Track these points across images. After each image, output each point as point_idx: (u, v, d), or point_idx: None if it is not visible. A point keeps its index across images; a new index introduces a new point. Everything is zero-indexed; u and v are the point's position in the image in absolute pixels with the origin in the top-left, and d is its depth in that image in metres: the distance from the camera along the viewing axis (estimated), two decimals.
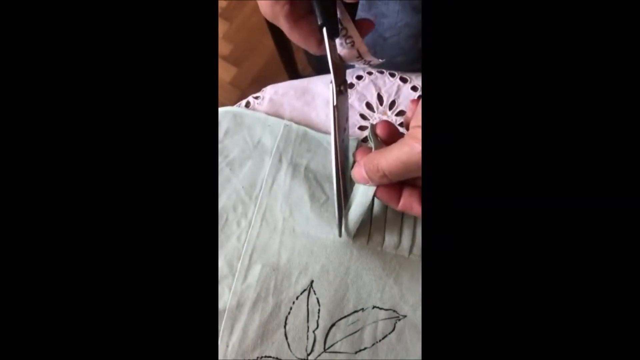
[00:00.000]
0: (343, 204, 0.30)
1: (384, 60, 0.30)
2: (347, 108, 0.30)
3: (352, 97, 0.38)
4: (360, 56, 0.28)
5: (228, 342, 0.30)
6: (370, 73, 0.38)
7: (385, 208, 0.32)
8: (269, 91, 0.37)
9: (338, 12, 0.26)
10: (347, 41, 0.27)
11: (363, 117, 0.37)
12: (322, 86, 0.37)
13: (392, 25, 0.44)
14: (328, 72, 0.27)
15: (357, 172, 0.28)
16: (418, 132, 0.24)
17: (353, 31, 0.27)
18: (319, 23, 0.25)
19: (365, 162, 0.28)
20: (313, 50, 0.28)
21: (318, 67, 0.75)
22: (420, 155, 0.24)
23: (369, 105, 0.37)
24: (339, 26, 0.26)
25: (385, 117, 0.37)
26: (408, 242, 0.32)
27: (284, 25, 0.26)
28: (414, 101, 0.29)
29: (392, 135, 0.29)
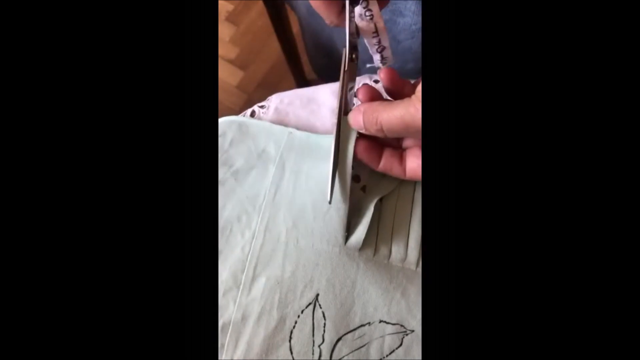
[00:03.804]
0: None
1: (394, 62, 0.30)
2: (355, 75, 0.31)
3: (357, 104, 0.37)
4: (376, 32, 0.28)
5: (233, 355, 0.29)
6: (376, 82, 0.38)
7: (392, 220, 0.32)
8: (274, 100, 0.37)
9: None
10: (367, 13, 0.27)
11: None
12: (328, 95, 0.37)
13: (406, 27, 0.43)
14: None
15: (355, 117, 0.29)
16: None
17: (374, 5, 0.27)
18: None
19: (365, 109, 0.28)
20: (331, 19, 0.28)
21: (322, 72, 0.74)
22: None
23: None
24: None
25: None
26: (415, 256, 0.31)
27: None
28: (386, 72, 0.29)
29: (374, 100, 0.30)
